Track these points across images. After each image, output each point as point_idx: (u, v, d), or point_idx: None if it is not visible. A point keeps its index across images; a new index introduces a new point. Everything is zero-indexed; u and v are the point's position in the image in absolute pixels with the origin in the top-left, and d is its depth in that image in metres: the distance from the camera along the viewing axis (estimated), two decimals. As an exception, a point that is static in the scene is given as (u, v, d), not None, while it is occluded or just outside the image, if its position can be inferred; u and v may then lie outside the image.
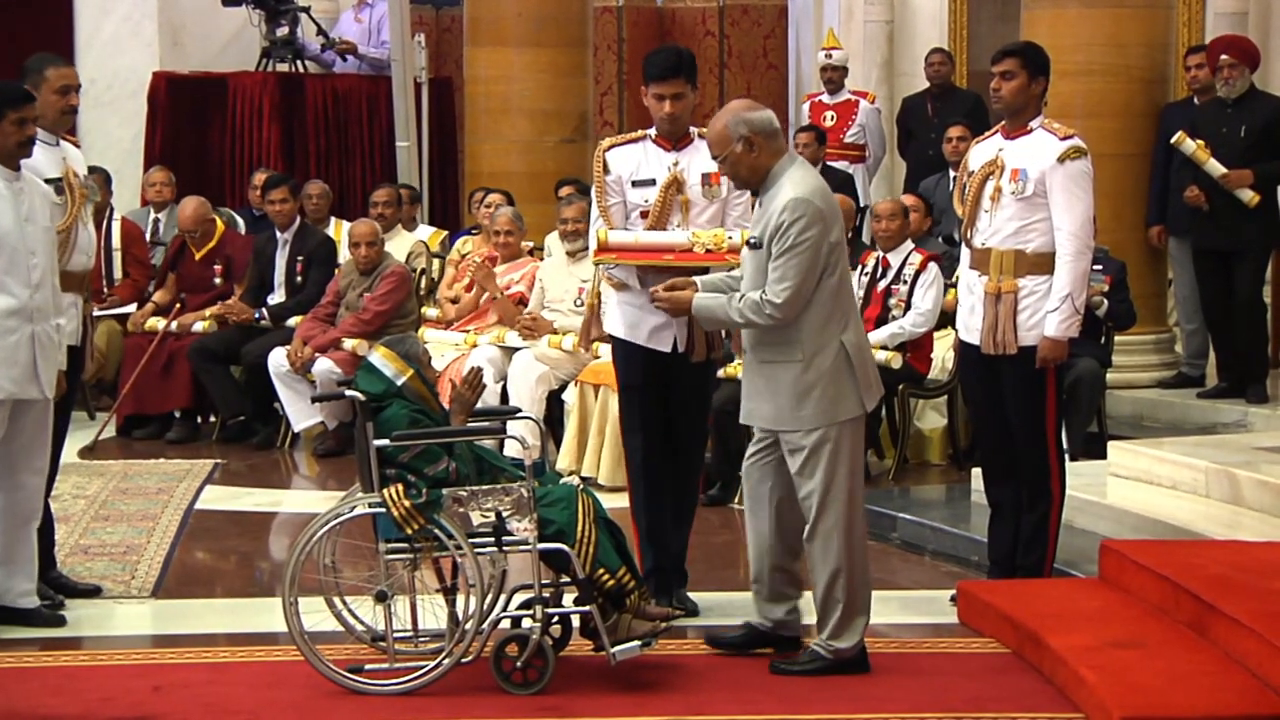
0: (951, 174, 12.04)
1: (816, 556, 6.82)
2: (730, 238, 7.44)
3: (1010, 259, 7.54)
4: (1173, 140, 10.93)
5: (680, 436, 7.61)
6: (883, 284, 10.59)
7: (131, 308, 12.57)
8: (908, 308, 10.38)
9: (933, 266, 10.25)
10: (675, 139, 7.61)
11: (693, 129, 7.63)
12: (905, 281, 10.50)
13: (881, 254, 10.72)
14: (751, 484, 6.99)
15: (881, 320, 10.53)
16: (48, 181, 7.60)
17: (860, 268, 10.89)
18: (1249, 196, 10.83)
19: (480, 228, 12.44)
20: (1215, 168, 10.82)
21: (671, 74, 7.52)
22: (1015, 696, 6.58)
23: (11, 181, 7.32)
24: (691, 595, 7.61)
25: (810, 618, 7.03)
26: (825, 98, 14.98)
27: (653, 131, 7.65)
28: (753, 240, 6.75)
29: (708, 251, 7.38)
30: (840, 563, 6.79)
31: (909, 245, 10.66)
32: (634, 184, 7.58)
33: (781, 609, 7.02)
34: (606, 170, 7.62)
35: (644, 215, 7.56)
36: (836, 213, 6.81)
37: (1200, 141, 10.82)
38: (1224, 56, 11.03)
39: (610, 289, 7.66)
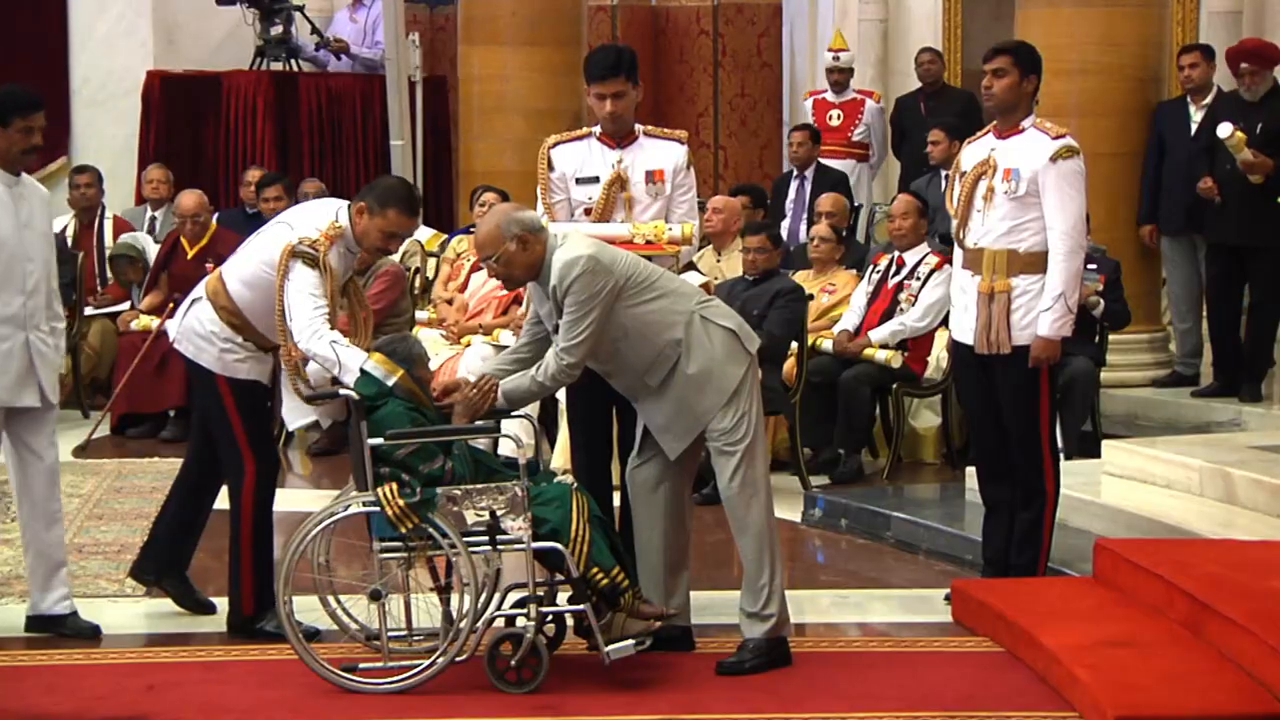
0: (942, 174, 12.05)
1: (749, 523, 6.83)
2: (670, 229, 7.51)
3: (1003, 259, 7.54)
4: (1223, 136, 10.80)
5: (629, 436, 7.58)
6: (894, 280, 10.61)
7: (125, 306, 12.57)
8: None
9: (947, 268, 10.23)
10: (619, 137, 7.66)
11: (637, 126, 7.70)
12: (919, 279, 10.53)
13: (897, 252, 10.74)
14: (641, 490, 6.99)
15: (888, 316, 10.55)
16: None
17: (872, 267, 10.91)
18: (1255, 179, 10.78)
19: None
20: (1246, 155, 10.77)
21: (611, 73, 7.56)
22: (1009, 695, 6.58)
23: (12, 186, 7.27)
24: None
25: (720, 617, 7.01)
26: (830, 96, 15.00)
27: (597, 129, 7.70)
28: (557, 324, 6.80)
29: (648, 242, 7.46)
30: (768, 524, 6.84)
31: (925, 246, 10.68)
32: (578, 181, 7.65)
33: (673, 601, 7.00)
34: (551, 167, 7.70)
35: (588, 212, 7.62)
36: (613, 255, 6.85)
37: (1243, 135, 10.79)
38: (1244, 65, 11.01)
39: None
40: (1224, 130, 10.72)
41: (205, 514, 7.87)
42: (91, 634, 7.44)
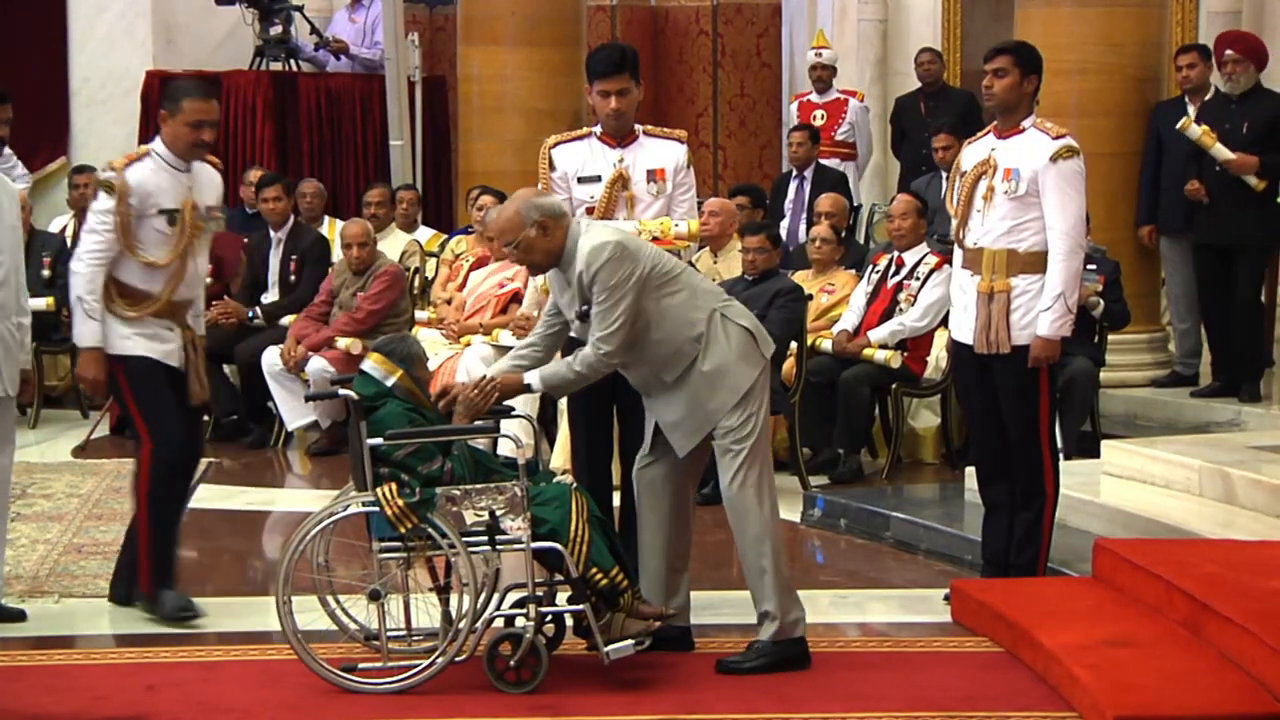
0: (943, 174, 12.06)
1: (748, 524, 6.81)
2: (676, 225, 7.54)
3: (1003, 258, 7.55)
4: (1178, 126, 10.90)
5: (630, 435, 7.61)
6: (894, 280, 10.61)
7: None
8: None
9: (947, 268, 10.22)
10: (620, 136, 7.68)
11: (637, 126, 7.72)
12: (918, 279, 10.53)
13: (897, 253, 10.74)
14: (647, 489, 6.97)
15: (887, 316, 10.55)
16: (161, 212, 7.48)
17: (871, 267, 10.92)
18: (1255, 182, 10.81)
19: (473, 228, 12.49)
20: (1221, 152, 10.78)
21: (616, 70, 7.57)
22: (1009, 695, 6.57)
23: None
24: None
25: (737, 616, 7.02)
26: (814, 97, 15.02)
27: (598, 129, 7.71)
28: (580, 311, 6.78)
29: (654, 238, 7.46)
30: (768, 525, 6.81)
31: (924, 246, 10.68)
32: (579, 180, 7.67)
33: (674, 601, 7.00)
34: (552, 167, 7.72)
35: (590, 211, 7.63)
36: (639, 243, 6.87)
37: (1205, 126, 10.80)
38: (1229, 52, 11.03)
39: None
40: (1193, 130, 10.76)
41: (172, 510, 7.84)
42: (18, 617, 7.56)
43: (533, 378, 6.82)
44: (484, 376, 6.92)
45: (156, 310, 7.51)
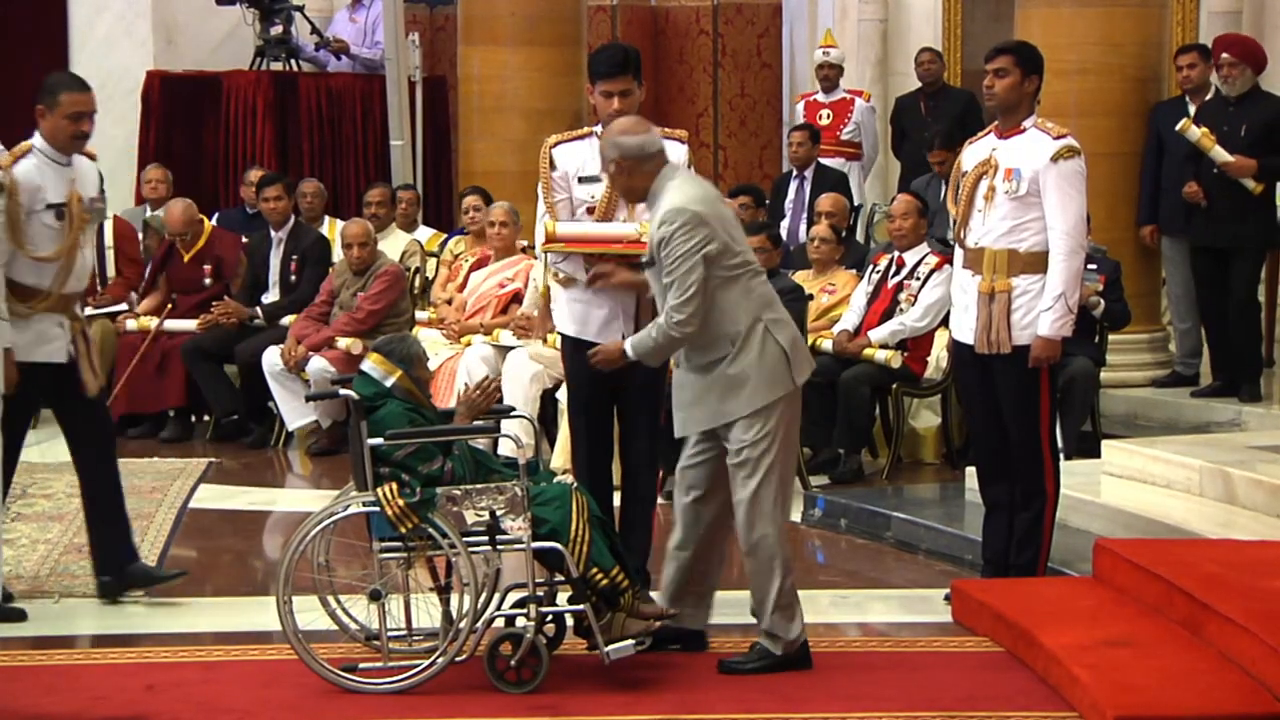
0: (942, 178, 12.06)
1: (755, 545, 6.78)
2: None
3: (1004, 258, 7.54)
4: (1177, 127, 10.92)
5: (631, 435, 7.59)
6: (894, 280, 10.60)
7: (124, 306, 12.57)
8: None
9: (947, 268, 10.21)
10: None
11: None
12: (919, 279, 10.52)
13: (897, 253, 10.73)
14: (685, 486, 6.96)
15: (888, 316, 10.55)
16: (49, 206, 7.56)
17: (872, 267, 10.91)
18: (1253, 185, 10.82)
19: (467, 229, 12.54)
20: (1220, 154, 10.79)
21: (620, 70, 7.57)
22: (1009, 695, 6.58)
23: None
24: (655, 595, 7.57)
25: (737, 616, 7.06)
26: (820, 96, 15.02)
27: (599, 129, 7.70)
28: (644, 259, 6.82)
29: None
30: (777, 549, 6.79)
31: (925, 246, 10.67)
32: (580, 180, 7.66)
33: (688, 604, 7.00)
34: (553, 166, 7.71)
35: (590, 211, 7.62)
36: (724, 218, 6.87)
37: (1204, 128, 10.81)
38: (1225, 55, 11.04)
39: (558, 286, 7.70)
40: (1193, 133, 10.76)
41: (109, 495, 7.89)
42: (18, 617, 7.56)
43: (628, 345, 6.88)
44: (486, 377, 6.90)
45: (49, 306, 7.62)
